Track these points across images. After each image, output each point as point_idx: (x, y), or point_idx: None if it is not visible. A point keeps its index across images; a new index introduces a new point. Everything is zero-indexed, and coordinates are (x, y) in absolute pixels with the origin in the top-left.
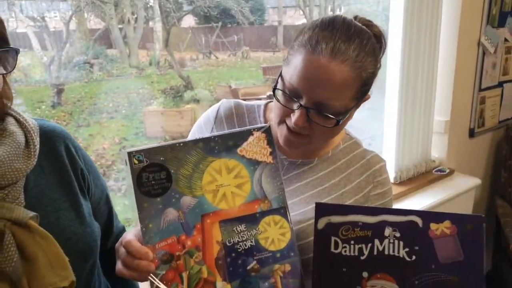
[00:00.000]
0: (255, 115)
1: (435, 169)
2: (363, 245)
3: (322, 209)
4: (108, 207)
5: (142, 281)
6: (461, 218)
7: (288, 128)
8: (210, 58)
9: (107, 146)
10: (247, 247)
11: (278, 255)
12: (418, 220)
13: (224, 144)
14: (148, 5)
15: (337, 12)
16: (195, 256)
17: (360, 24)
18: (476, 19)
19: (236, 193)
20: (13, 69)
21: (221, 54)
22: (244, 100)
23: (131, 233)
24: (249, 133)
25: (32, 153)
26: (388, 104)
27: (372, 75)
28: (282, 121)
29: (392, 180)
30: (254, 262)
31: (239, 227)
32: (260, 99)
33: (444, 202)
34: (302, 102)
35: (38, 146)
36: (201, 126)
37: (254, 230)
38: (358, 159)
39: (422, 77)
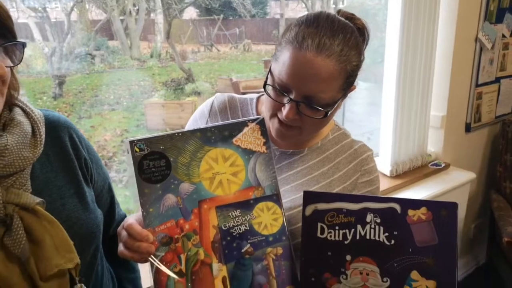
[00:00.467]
0: (247, 108)
1: (431, 163)
2: (347, 231)
3: (309, 197)
4: (110, 195)
5: (142, 262)
6: (436, 205)
7: (280, 121)
8: (211, 50)
9: (109, 138)
10: (241, 231)
11: (270, 239)
12: (397, 207)
13: (220, 134)
14: None
15: (339, 6)
16: (192, 239)
17: (343, 19)
18: (474, 15)
19: (232, 181)
20: (20, 62)
21: (223, 47)
22: (244, 93)
23: (133, 217)
24: (244, 124)
25: (39, 142)
26: (385, 98)
27: (357, 67)
28: (273, 114)
29: (388, 174)
30: (248, 245)
31: (234, 212)
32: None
33: (439, 195)
34: (292, 96)
35: (44, 136)
36: (196, 120)
37: (248, 215)
38: (346, 148)
39: (419, 72)
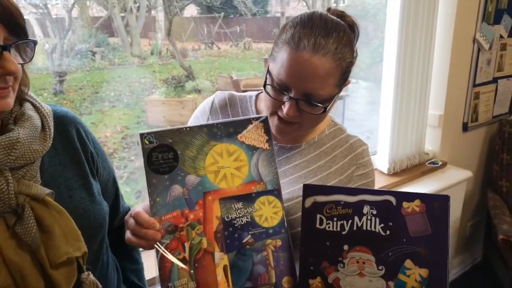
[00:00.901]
0: (247, 105)
1: (428, 162)
2: (345, 222)
3: (308, 190)
4: (115, 188)
5: (148, 248)
6: (429, 197)
7: (279, 118)
8: (212, 48)
9: (109, 134)
10: (243, 222)
11: (270, 231)
12: (392, 199)
13: (226, 130)
14: None
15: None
16: (196, 228)
17: (335, 17)
18: (472, 16)
19: (235, 175)
20: (31, 59)
21: (223, 45)
22: (244, 91)
23: (140, 206)
24: (249, 122)
25: (48, 136)
26: (384, 97)
27: (351, 63)
28: (273, 112)
29: (385, 171)
30: (249, 236)
31: (236, 204)
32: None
33: (435, 193)
34: (292, 94)
35: (52, 130)
36: (197, 116)
37: (250, 208)
38: (342, 143)
39: (418, 71)
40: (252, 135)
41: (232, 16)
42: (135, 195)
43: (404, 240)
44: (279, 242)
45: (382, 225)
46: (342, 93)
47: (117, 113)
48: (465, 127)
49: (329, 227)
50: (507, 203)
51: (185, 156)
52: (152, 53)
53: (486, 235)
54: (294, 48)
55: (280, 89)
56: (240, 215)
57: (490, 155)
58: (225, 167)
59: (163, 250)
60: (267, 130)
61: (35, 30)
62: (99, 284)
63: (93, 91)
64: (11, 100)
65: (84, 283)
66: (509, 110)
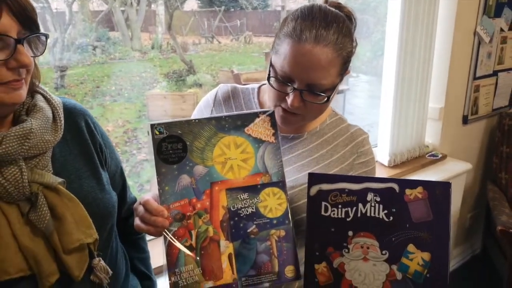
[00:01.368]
0: (249, 97)
1: (428, 154)
2: (349, 209)
3: (314, 178)
4: (122, 179)
5: (156, 235)
6: (431, 184)
7: (283, 109)
8: (212, 42)
9: (111, 129)
10: (248, 213)
11: (274, 221)
12: (395, 187)
13: (234, 123)
14: None
15: None
16: (203, 217)
17: (333, 9)
18: (473, 9)
19: (242, 166)
20: (43, 53)
21: (224, 39)
22: (244, 85)
23: (149, 195)
24: (256, 115)
25: (59, 127)
26: (384, 90)
27: (351, 53)
28: (277, 104)
29: (386, 163)
30: (254, 226)
31: (242, 195)
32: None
33: None
34: (295, 85)
35: (63, 121)
36: (201, 109)
37: (255, 199)
38: (343, 132)
39: (418, 64)
40: (259, 128)
41: (232, 10)
42: (137, 188)
43: (407, 225)
44: (282, 233)
45: (386, 211)
46: (343, 87)
47: (119, 108)
48: (465, 120)
49: (334, 214)
50: (506, 195)
51: (194, 147)
52: (152, 47)
53: (486, 226)
54: (296, 40)
55: (284, 80)
56: (246, 206)
57: (490, 148)
58: (232, 159)
59: (170, 237)
60: (273, 124)
61: None
62: (109, 269)
63: (94, 86)
64: (24, 92)
65: (95, 268)
66: (509, 103)
